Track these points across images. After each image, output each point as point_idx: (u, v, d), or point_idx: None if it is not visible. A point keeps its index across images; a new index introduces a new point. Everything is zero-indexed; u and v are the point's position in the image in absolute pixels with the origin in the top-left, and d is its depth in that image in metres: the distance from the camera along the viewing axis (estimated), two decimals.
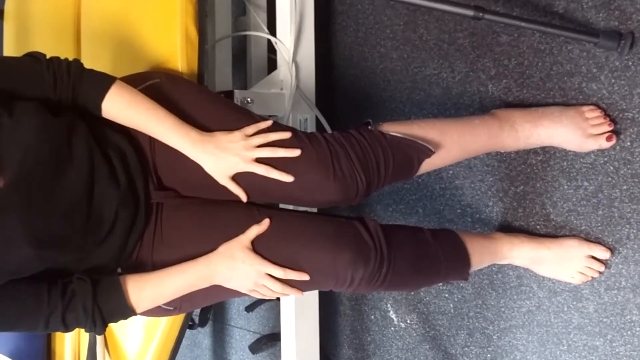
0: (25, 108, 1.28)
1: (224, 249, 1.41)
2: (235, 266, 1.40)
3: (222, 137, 1.40)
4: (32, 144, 1.25)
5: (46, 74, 1.34)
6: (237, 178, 1.43)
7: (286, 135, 1.44)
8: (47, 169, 1.27)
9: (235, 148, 1.39)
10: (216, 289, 1.45)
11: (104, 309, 1.35)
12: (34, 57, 1.37)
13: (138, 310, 1.40)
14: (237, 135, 1.41)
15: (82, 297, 1.34)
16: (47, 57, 1.38)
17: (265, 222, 1.42)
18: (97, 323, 1.35)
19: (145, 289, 1.39)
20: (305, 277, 1.43)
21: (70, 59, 1.39)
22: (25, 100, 1.31)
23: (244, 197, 1.44)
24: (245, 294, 1.47)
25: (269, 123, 1.47)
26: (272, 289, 1.43)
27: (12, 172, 1.23)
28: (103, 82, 1.38)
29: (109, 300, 1.36)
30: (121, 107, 1.38)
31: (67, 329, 1.35)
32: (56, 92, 1.35)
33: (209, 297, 1.50)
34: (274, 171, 1.41)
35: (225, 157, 1.39)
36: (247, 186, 1.44)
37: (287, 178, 1.42)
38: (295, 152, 1.43)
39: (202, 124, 1.43)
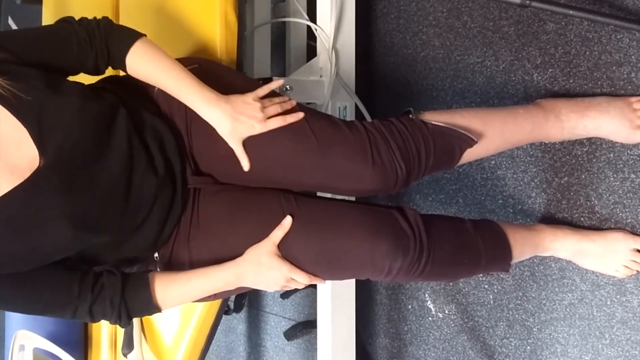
0: (70, 90, 1.31)
1: (251, 255, 1.41)
2: (262, 272, 1.41)
3: (237, 99, 1.40)
4: (74, 126, 1.27)
5: (80, 31, 1.38)
6: (272, 168, 1.44)
7: (295, 113, 1.45)
8: (86, 152, 1.29)
9: (251, 110, 1.39)
10: None
11: (130, 304, 1.38)
12: (65, 21, 1.41)
13: (163, 308, 1.42)
14: (249, 97, 1.41)
15: (111, 291, 1.37)
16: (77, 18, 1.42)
17: (288, 221, 1.41)
18: (122, 317, 1.39)
19: (171, 289, 1.41)
20: (322, 282, 1.46)
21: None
22: (71, 83, 1.33)
23: (246, 165, 1.42)
24: None
25: (279, 82, 1.48)
26: (297, 286, 1.46)
27: (52, 153, 1.25)
28: (129, 36, 1.41)
29: (136, 296, 1.39)
30: (143, 61, 1.40)
31: (93, 319, 1.39)
32: (92, 48, 1.38)
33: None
34: (287, 117, 1.42)
35: (242, 121, 1.38)
36: (284, 176, 1.44)
37: (300, 115, 1.43)
38: (299, 115, 1.43)
39: None
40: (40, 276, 1.33)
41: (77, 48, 1.37)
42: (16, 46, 1.31)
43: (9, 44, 1.30)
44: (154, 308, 1.41)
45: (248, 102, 1.39)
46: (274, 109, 1.41)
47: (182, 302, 1.46)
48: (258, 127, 1.39)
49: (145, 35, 1.42)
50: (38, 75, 1.29)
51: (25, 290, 1.33)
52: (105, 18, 1.42)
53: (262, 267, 1.40)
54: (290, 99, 1.47)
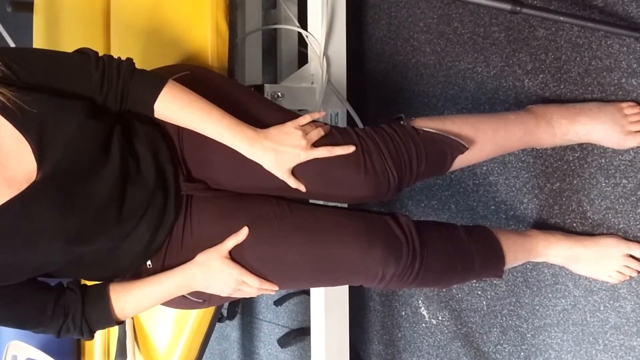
0: (74, 106, 1.29)
1: (201, 258, 1.42)
2: (211, 275, 1.42)
3: (277, 131, 1.38)
4: (74, 142, 1.27)
5: (94, 73, 1.33)
6: (265, 175, 1.42)
7: (346, 146, 1.43)
8: (83, 168, 1.29)
9: (293, 140, 1.38)
10: None
11: (90, 319, 1.42)
12: (84, 54, 1.37)
13: (123, 318, 1.46)
14: (290, 126, 1.39)
15: (73, 309, 1.40)
16: (99, 54, 1.37)
17: (244, 232, 1.41)
18: (84, 332, 1.42)
19: (127, 300, 1.43)
20: (275, 287, 1.45)
21: (124, 57, 1.39)
22: (74, 99, 1.31)
23: (303, 189, 1.42)
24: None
25: (320, 114, 1.46)
26: (250, 291, 1.46)
27: (50, 167, 1.25)
28: (155, 83, 1.36)
29: (96, 311, 1.42)
30: (175, 108, 1.36)
31: (59, 336, 1.43)
32: (102, 91, 1.34)
33: None
34: (336, 149, 1.40)
35: (285, 151, 1.37)
36: (277, 183, 1.43)
37: (350, 149, 1.41)
38: (350, 149, 1.41)
39: (239, 116, 1.42)
40: (17, 295, 1.36)
41: (87, 87, 1.33)
42: (25, 65, 1.28)
43: (17, 62, 1.27)
44: (114, 320, 1.44)
45: (289, 132, 1.38)
46: (316, 134, 1.40)
47: (140, 310, 1.48)
48: (303, 154, 1.38)
49: (170, 80, 1.38)
50: (44, 88, 1.27)
51: (1, 307, 1.36)
52: (128, 60, 1.38)
53: (210, 270, 1.41)
54: (325, 124, 1.45)
